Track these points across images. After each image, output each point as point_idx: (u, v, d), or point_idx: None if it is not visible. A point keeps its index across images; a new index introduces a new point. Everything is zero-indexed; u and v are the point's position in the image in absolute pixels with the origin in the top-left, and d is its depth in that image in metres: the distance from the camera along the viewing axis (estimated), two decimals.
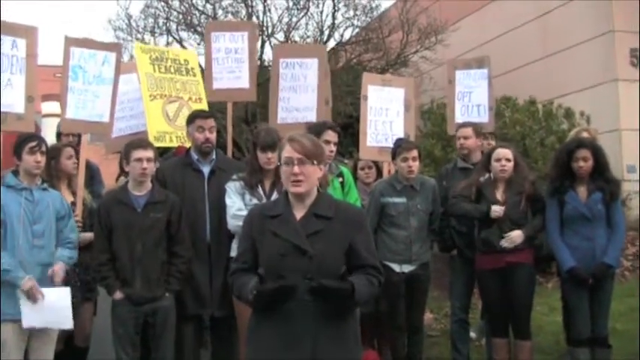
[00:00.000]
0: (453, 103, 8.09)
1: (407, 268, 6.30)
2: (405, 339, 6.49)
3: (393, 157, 6.49)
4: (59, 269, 5.31)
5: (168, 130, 7.04)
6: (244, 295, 3.66)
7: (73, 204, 6.06)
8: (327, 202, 3.84)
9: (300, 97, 7.41)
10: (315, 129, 5.94)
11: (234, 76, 7.63)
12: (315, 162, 3.75)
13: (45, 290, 5.26)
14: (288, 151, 3.74)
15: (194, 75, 7.61)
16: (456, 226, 6.76)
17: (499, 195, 6.21)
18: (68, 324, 5.45)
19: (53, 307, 5.30)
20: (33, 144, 5.40)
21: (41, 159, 5.41)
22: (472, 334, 7.38)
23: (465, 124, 7.20)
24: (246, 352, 3.88)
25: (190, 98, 7.29)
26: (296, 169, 3.68)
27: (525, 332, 6.15)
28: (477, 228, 6.37)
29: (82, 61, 6.58)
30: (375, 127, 7.57)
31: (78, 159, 6.40)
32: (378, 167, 7.60)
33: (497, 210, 6.08)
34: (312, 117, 7.25)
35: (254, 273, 3.63)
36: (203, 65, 8.02)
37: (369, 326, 6.66)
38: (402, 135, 7.30)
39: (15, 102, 6.10)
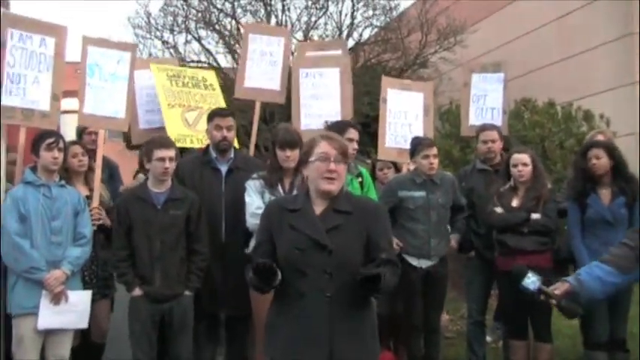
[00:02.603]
0: (468, 106, 8.12)
1: (425, 264, 6.31)
2: (422, 339, 6.48)
3: (412, 155, 6.49)
4: (53, 280, 5.26)
5: (187, 133, 7.08)
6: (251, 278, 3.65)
7: (89, 198, 6.08)
8: (347, 198, 3.85)
9: (322, 104, 7.46)
10: (338, 127, 5.93)
11: (266, 77, 7.71)
12: (346, 162, 3.79)
13: (68, 293, 5.33)
14: (324, 147, 3.74)
15: (213, 89, 7.69)
16: (474, 228, 6.74)
17: (515, 202, 6.18)
18: (83, 324, 5.52)
19: (73, 310, 5.37)
20: (51, 140, 5.43)
21: (59, 155, 5.45)
22: (487, 338, 7.35)
23: (488, 127, 7.14)
24: (264, 349, 3.87)
25: (210, 108, 7.31)
26: (333, 166, 3.69)
27: (546, 335, 6.12)
28: (495, 230, 6.35)
29: (98, 60, 6.64)
30: (395, 129, 7.58)
31: (94, 156, 6.43)
32: (396, 168, 7.59)
33: (536, 217, 6.05)
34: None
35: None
36: (222, 65, 8.07)
37: (386, 327, 6.64)
38: None
39: (41, 99, 6.16)
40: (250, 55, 7.71)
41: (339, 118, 7.16)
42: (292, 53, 9.18)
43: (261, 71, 7.68)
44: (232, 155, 6.09)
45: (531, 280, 4.07)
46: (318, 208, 3.75)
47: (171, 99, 7.20)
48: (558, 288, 3.92)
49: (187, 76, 7.63)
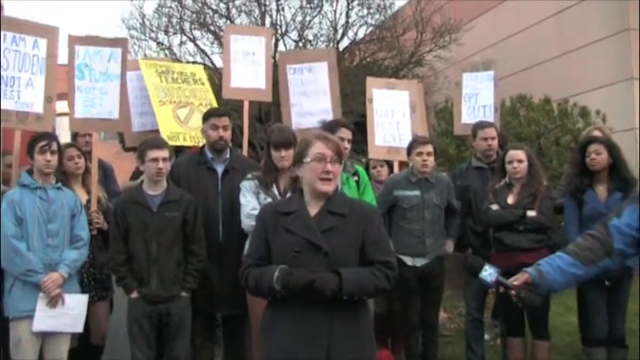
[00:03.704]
0: (460, 105, 8.21)
1: (420, 262, 6.32)
2: (420, 337, 6.48)
3: (409, 154, 6.50)
4: (50, 283, 5.25)
5: (180, 130, 7.06)
6: (265, 281, 3.61)
7: (89, 202, 6.08)
8: (342, 200, 3.85)
9: (313, 101, 7.50)
10: (329, 126, 5.93)
11: (251, 76, 7.70)
12: (341, 162, 3.81)
13: (65, 296, 5.32)
14: (320, 148, 3.74)
15: (202, 84, 7.68)
16: (470, 225, 6.74)
17: (510, 199, 6.17)
18: (79, 328, 5.50)
19: (68, 314, 5.35)
20: (43, 143, 5.42)
21: (51, 158, 5.42)
22: (485, 336, 7.34)
23: (486, 124, 7.14)
24: (261, 349, 3.86)
25: (201, 104, 7.33)
26: (329, 166, 3.70)
27: (543, 332, 6.10)
28: (491, 228, 6.34)
29: (87, 59, 6.55)
30: (383, 128, 7.63)
31: (90, 158, 6.41)
32: (390, 165, 7.61)
33: (531, 215, 6.04)
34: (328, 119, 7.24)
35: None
36: (218, 66, 8.09)
37: (383, 325, 6.65)
38: (409, 135, 7.33)
39: (35, 102, 6.12)
40: (233, 56, 7.70)
41: (330, 114, 7.27)
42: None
43: (246, 71, 7.68)
44: (228, 155, 6.09)
45: (488, 273, 4.06)
46: (313, 209, 3.75)
47: (162, 96, 7.17)
48: (518, 279, 3.89)
49: (176, 72, 7.62)
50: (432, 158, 6.40)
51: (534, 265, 3.91)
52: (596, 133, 6.78)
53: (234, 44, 7.74)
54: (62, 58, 6.45)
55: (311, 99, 7.49)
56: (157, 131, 6.98)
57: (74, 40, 6.58)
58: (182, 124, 7.12)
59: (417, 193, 6.36)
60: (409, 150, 6.52)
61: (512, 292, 3.88)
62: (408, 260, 6.27)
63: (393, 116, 7.69)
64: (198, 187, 5.93)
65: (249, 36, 7.87)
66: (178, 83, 7.44)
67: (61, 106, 8.26)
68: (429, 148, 6.40)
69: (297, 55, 8.23)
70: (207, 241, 5.72)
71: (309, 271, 3.53)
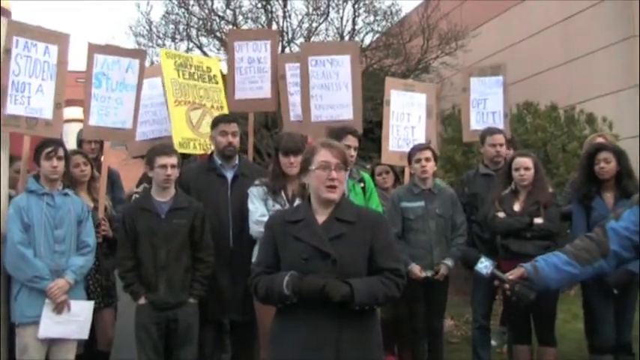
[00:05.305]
0: (468, 111, 8.07)
1: (429, 273, 6.33)
2: (426, 343, 6.48)
3: (410, 162, 6.52)
4: (56, 289, 5.28)
5: (192, 137, 7.05)
6: (276, 288, 3.61)
7: (95, 209, 6.07)
8: (349, 207, 3.86)
9: (333, 95, 7.29)
10: (336, 133, 5.92)
11: (256, 86, 7.61)
12: (346, 169, 3.82)
13: (71, 302, 5.34)
14: (325, 156, 3.76)
15: (216, 82, 7.62)
16: (477, 232, 6.72)
17: (517, 207, 6.15)
18: (84, 335, 5.52)
19: (74, 320, 5.37)
20: (49, 149, 5.44)
21: (57, 164, 5.45)
22: (492, 342, 7.33)
23: (495, 131, 7.11)
24: (268, 355, 3.87)
25: (212, 106, 7.30)
26: (334, 174, 3.71)
27: (550, 339, 6.09)
28: (498, 235, 6.33)
29: (105, 68, 6.54)
30: (397, 132, 7.53)
31: (99, 166, 6.41)
32: (395, 172, 7.59)
33: (538, 222, 6.03)
34: (348, 114, 7.22)
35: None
36: (225, 71, 8.03)
37: (390, 331, 6.64)
38: (423, 140, 7.27)
39: (44, 108, 6.09)
40: (237, 65, 7.61)
41: (350, 110, 7.20)
42: None
43: (250, 80, 7.59)
44: (237, 162, 6.11)
45: (484, 265, 4.08)
46: (321, 217, 3.76)
47: (177, 94, 7.12)
48: (513, 273, 3.92)
49: (194, 65, 7.53)
50: (431, 163, 6.40)
51: (532, 261, 3.94)
52: (600, 140, 6.75)
53: (238, 52, 7.64)
54: (71, 64, 6.45)
55: (331, 92, 7.30)
56: (158, 139, 6.98)
57: (93, 49, 6.58)
58: (194, 129, 7.09)
59: (421, 203, 6.38)
60: (409, 160, 6.53)
61: (507, 285, 3.91)
62: (416, 269, 6.27)
63: (408, 120, 7.59)
64: (209, 193, 5.95)
65: (254, 41, 7.74)
66: (194, 80, 7.37)
67: (69, 112, 8.26)
68: (427, 153, 6.41)
69: (319, 47, 8.05)
70: (217, 247, 5.73)
71: (319, 276, 3.54)
